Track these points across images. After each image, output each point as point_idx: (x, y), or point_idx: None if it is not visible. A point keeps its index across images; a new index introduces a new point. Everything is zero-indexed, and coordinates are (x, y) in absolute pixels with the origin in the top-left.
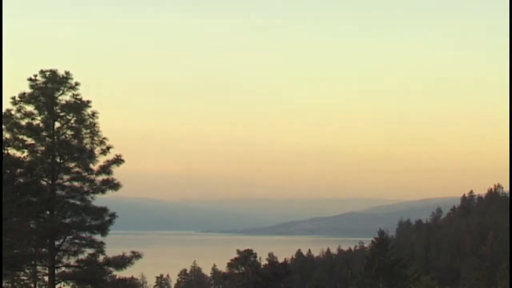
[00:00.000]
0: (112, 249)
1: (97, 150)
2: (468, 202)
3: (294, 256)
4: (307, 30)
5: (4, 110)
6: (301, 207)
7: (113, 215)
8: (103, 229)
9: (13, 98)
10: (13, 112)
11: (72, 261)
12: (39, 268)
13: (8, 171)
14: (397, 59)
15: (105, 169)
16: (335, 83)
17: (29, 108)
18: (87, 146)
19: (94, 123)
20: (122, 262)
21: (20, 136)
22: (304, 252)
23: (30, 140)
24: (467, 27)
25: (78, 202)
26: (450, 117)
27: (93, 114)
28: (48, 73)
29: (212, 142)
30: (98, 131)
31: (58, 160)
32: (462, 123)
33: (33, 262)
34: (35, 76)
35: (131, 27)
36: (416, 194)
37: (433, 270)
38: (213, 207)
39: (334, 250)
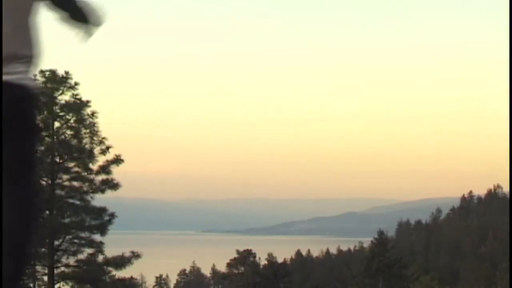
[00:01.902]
0: (112, 249)
1: (96, 150)
2: (468, 203)
3: (293, 256)
4: (305, 30)
5: None
6: (301, 207)
7: (112, 215)
8: (102, 229)
9: None
10: None
11: (72, 261)
12: (38, 268)
13: None
14: (397, 58)
15: (105, 169)
16: (334, 83)
17: None
18: (87, 146)
19: (94, 123)
20: (121, 262)
21: None
22: (304, 252)
23: None
24: (467, 26)
25: (78, 202)
26: (450, 117)
27: (93, 114)
28: (47, 73)
29: (212, 142)
30: (97, 131)
31: (57, 160)
32: (462, 123)
33: (32, 262)
34: (35, 75)
35: (130, 26)
36: (416, 194)
37: (432, 270)
38: (213, 207)
39: (333, 250)
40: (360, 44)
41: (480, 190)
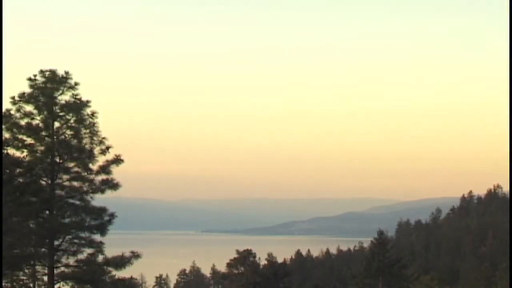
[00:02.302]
0: (112, 249)
1: (96, 150)
2: (468, 202)
3: (293, 256)
4: (305, 32)
5: (3, 110)
6: (301, 207)
7: (112, 215)
8: (102, 229)
9: (13, 98)
10: (12, 112)
11: (72, 261)
12: (38, 268)
13: (8, 171)
14: (397, 58)
15: (105, 169)
16: (334, 83)
17: (29, 108)
18: (87, 146)
19: (94, 123)
20: (121, 262)
21: (20, 136)
22: (304, 252)
23: (29, 140)
24: (467, 26)
25: (78, 202)
26: (450, 117)
27: (93, 114)
28: (47, 73)
29: (212, 142)
30: (97, 131)
31: (57, 160)
32: (462, 123)
33: (32, 262)
34: (35, 76)
35: (130, 26)
36: (416, 194)
37: (432, 270)
38: (213, 207)
39: (333, 250)
40: (361, 45)
41: (480, 190)
